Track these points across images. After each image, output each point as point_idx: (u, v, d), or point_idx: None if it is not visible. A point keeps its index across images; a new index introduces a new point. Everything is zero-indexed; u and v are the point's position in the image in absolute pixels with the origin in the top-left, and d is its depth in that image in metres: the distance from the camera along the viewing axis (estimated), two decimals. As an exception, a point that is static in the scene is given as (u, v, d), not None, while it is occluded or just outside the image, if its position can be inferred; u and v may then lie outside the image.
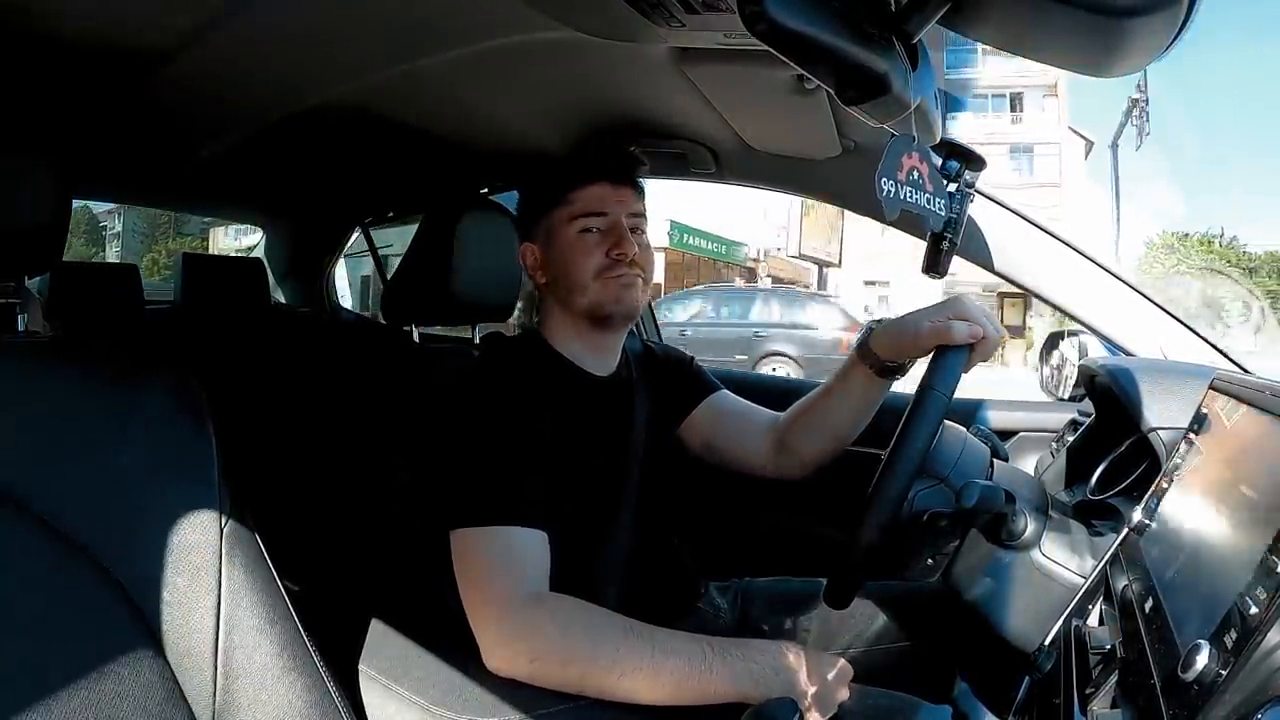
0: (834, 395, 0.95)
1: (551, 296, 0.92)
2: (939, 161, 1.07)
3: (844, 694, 0.74)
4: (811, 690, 0.71)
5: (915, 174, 0.67)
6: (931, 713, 0.79)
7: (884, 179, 0.65)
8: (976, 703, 0.98)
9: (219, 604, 0.58)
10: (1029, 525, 0.76)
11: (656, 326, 1.95)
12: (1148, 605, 0.58)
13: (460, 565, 0.73)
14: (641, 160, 0.94)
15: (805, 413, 0.98)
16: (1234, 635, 0.44)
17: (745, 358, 8.21)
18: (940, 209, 0.69)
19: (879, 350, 0.87)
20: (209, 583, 0.58)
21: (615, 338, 0.94)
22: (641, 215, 0.92)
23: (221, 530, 0.60)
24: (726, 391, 1.07)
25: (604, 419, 0.91)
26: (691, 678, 0.68)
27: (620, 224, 0.89)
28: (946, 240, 1.06)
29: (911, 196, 0.67)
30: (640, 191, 0.93)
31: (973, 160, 1.07)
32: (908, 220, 0.73)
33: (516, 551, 0.72)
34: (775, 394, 1.73)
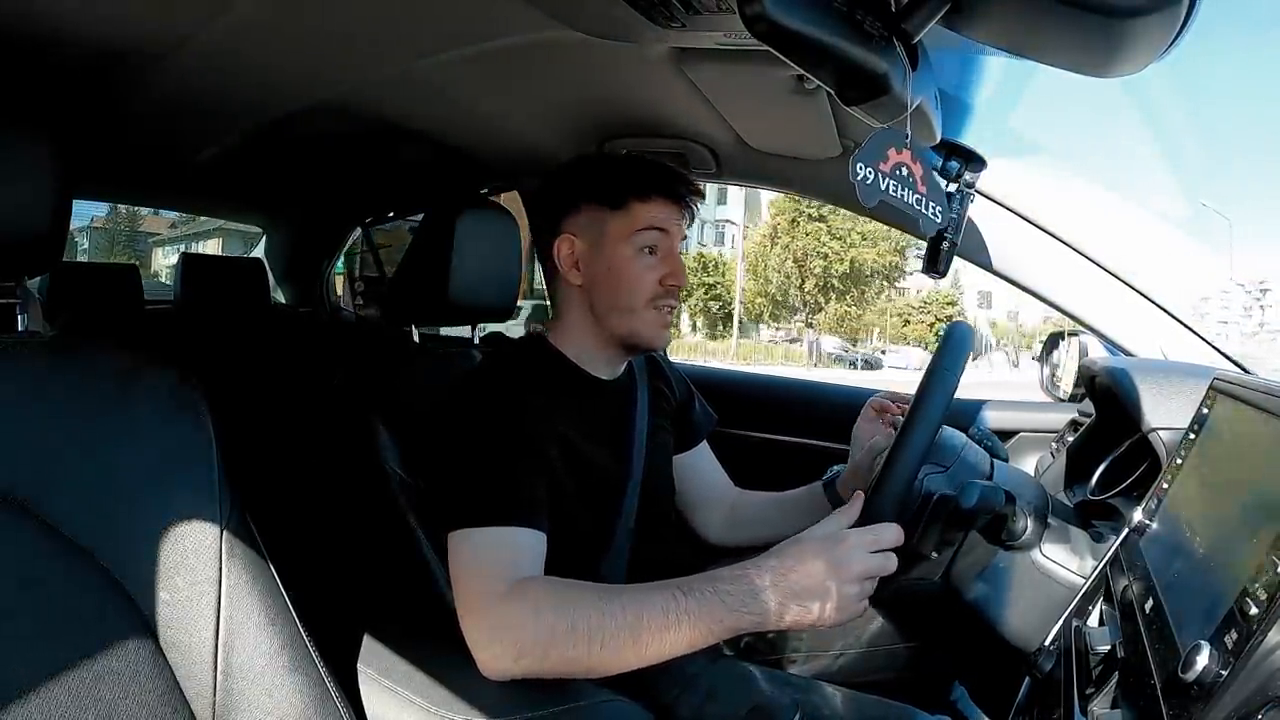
0: (790, 510, 1.04)
1: (581, 299, 0.87)
2: (939, 162, 1.07)
3: (855, 567, 0.65)
4: (796, 598, 0.65)
5: (904, 170, 0.66)
6: None
7: (860, 163, 0.62)
8: (974, 707, 0.98)
9: (219, 604, 0.58)
10: (1029, 526, 0.76)
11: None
12: (1148, 606, 0.58)
13: (451, 569, 0.72)
14: (700, 192, 0.90)
15: (759, 509, 1.07)
16: (1234, 636, 0.44)
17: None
18: (936, 214, 0.68)
19: (843, 492, 0.99)
20: (209, 582, 0.58)
21: (628, 358, 0.93)
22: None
23: (222, 530, 0.60)
24: (705, 445, 1.11)
25: (606, 419, 0.91)
26: (670, 627, 0.65)
27: (676, 250, 0.87)
28: (946, 240, 1.07)
29: (896, 191, 0.65)
30: (690, 217, 0.90)
31: (973, 160, 1.08)
32: (903, 220, 0.72)
33: (500, 551, 0.71)
34: (770, 391, 1.73)
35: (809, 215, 18.81)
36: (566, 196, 0.88)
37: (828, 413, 1.58)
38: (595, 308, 0.87)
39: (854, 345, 20.52)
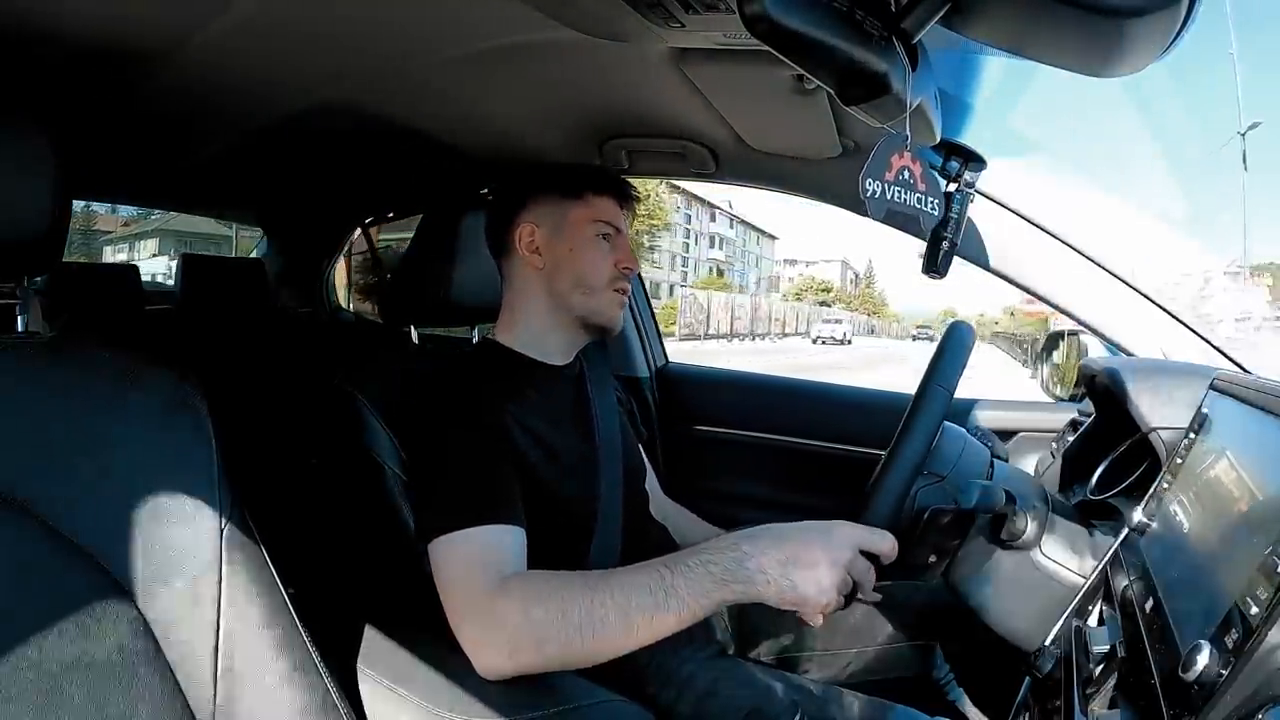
0: None
1: (540, 284, 0.92)
2: (939, 162, 1.07)
3: (842, 555, 0.65)
4: (782, 569, 0.64)
5: (906, 173, 0.67)
6: None
7: (869, 179, 0.65)
8: (974, 707, 0.98)
9: (219, 604, 0.58)
10: (1029, 525, 0.76)
11: (659, 333, 1.93)
12: (1148, 605, 0.58)
13: (436, 579, 0.73)
14: (639, 198, 0.99)
15: (692, 533, 1.07)
16: (1235, 635, 0.44)
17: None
18: (934, 209, 0.69)
19: None
20: (209, 583, 0.58)
21: (586, 340, 0.97)
22: None
23: (221, 530, 0.60)
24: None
25: (566, 403, 0.94)
26: (660, 606, 0.65)
27: (628, 241, 0.94)
28: (946, 240, 1.06)
29: (900, 196, 0.67)
30: (632, 218, 0.98)
31: (973, 160, 1.08)
32: (907, 223, 0.73)
33: (481, 552, 0.72)
34: (782, 393, 1.73)
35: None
36: (523, 191, 0.94)
37: (836, 415, 1.58)
38: (556, 290, 0.91)
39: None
